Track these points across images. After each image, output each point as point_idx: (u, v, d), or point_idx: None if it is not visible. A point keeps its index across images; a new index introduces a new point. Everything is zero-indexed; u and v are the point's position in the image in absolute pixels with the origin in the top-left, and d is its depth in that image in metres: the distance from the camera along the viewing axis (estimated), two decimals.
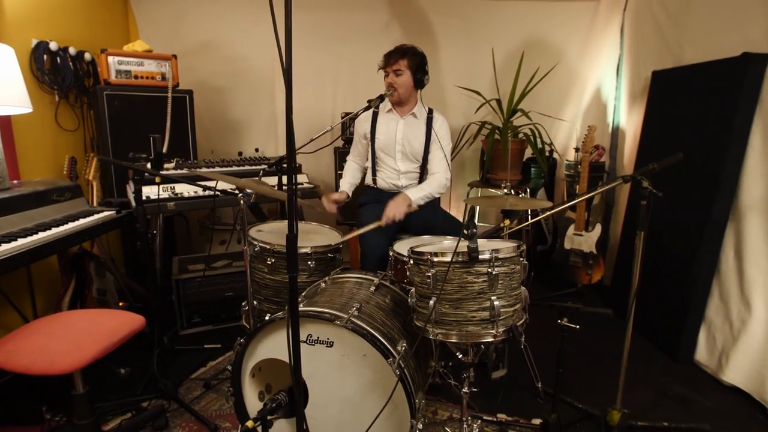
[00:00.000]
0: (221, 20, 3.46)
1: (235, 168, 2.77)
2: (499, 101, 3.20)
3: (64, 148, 2.75)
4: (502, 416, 1.96)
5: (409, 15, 3.53)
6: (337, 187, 3.29)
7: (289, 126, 1.08)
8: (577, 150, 3.41)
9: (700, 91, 2.35)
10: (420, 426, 1.46)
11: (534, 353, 1.99)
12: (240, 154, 3.13)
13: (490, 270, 1.43)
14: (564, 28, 3.56)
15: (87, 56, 2.90)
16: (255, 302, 2.09)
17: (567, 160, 3.41)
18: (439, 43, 3.54)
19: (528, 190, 3.39)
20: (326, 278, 1.89)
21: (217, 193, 2.18)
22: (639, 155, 2.80)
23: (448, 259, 1.44)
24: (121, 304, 2.53)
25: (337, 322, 1.44)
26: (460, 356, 1.63)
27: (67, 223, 2.07)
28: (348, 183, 2.55)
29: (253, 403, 1.67)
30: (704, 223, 2.23)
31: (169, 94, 2.87)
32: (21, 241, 1.76)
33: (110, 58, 2.75)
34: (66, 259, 2.41)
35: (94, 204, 2.57)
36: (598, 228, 2.95)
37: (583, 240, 3.00)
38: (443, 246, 1.74)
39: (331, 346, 1.50)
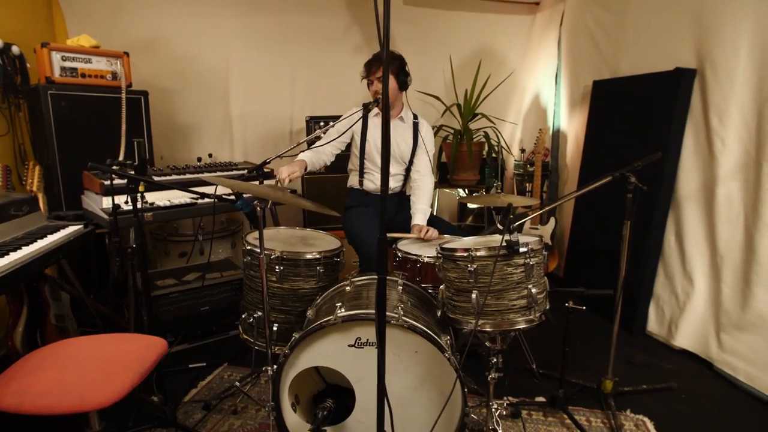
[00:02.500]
0: (166, 16, 3.22)
1: (207, 174, 2.61)
2: (459, 106, 3.40)
3: None
4: (509, 399, 2.12)
5: (369, 20, 3.58)
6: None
7: (385, 142, 1.10)
8: (523, 151, 3.73)
9: (639, 100, 2.73)
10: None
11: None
12: (199, 159, 2.96)
13: (527, 260, 1.56)
14: (504, 39, 3.87)
15: (15, 50, 2.54)
16: (260, 313, 2.02)
17: (516, 161, 3.71)
18: (398, 48, 3.61)
19: (484, 189, 3.64)
20: (345, 282, 1.89)
21: (215, 199, 2.04)
22: (584, 155, 3.16)
23: (490, 253, 1.54)
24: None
25: (393, 321, 1.46)
26: (488, 344, 1.75)
27: (35, 240, 1.81)
28: (309, 155, 2.39)
29: (291, 418, 1.62)
30: (650, 212, 2.59)
31: (123, 95, 2.62)
32: None
33: (53, 54, 2.44)
34: None
35: None
36: (552, 221, 3.26)
37: (539, 233, 3.30)
38: (477, 242, 1.83)
39: None
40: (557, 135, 3.60)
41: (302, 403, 1.70)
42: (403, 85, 2.40)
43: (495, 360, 1.74)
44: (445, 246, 1.70)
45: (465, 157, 3.30)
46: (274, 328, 2.01)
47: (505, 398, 2.11)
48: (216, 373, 2.32)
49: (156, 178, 2.36)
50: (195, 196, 2.14)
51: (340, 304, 1.57)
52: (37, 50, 2.45)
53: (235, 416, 1.99)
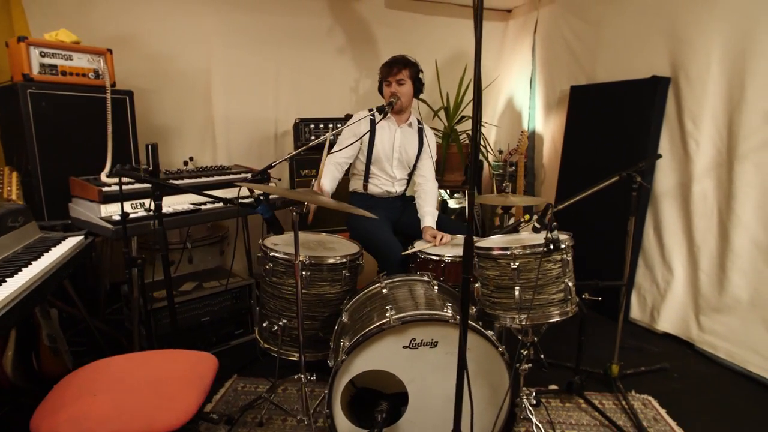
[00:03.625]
0: (139, 12, 3.02)
1: (205, 179, 2.49)
2: (446, 109, 3.48)
3: None
4: (525, 389, 2.22)
5: (352, 21, 3.58)
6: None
7: (475, 132, 1.13)
8: (500, 152, 3.89)
9: (617, 104, 2.95)
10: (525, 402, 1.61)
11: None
12: (186, 163, 2.83)
13: (564, 256, 1.66)
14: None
15: None
16: (284, 320, 1.98)
17: (494, 161, 3.86)
18: (380, 50, 3.67)
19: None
20: (376, 285, 1.89)
21: (230, 204, 1.96)
22: (564, 156, 3.36)
23: (532, 251, 1.62)
24: None
25: (452, 321, 1.50)
26: (520, 337, 1.83)
27: (40, 255, 1.66)
28: (328, 184, 2.38)
29: (342, 424, 1.60)
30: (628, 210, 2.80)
31: (108, 96, 2.44)
32: (11, 286, 1.31)
33: (32, 49, 2.23)
34: None
35: None
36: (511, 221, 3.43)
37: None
38: (508, 240, 1.89)
39: (435, 346, 1.55)
40: (533, 137, 3.79)
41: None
42: (418, 92, 2.44)
43: (526, 352, 1.83)
44: (482, 245, 1.75)
45: (453, 159, 3.39)
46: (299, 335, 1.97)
47: (523, 388, 2.20)
48: (228, 386, 2.23)
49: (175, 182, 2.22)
50: (210, 200, 2.04)
51: (389, 306, 1.57)
52: (11, 44, 2.23)
53: (262, 428, 1.93)
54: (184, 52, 3.15)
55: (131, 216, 2.01)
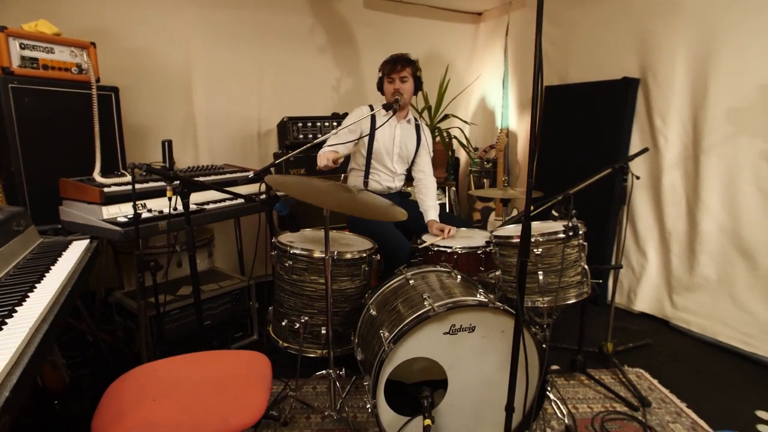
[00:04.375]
0: (116, 5, 2.87)
1: (214, 177, 2.41)
2: (429, 108, 3.57)
3: None
4: None
5: (332, 21, 3.58)
6: None
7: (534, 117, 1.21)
8: (476, 149, 4.05)
9: (591, 103, 3.17)
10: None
11: None
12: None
13: (581, 241, 1.79)
14: (452, 45, 4.15)
15: None
16: (306, 317, 1.97)
17: (472, 158, 4.01)
18: (360, 50, 3.70)
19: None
20: (399, 277, 1.92)
21: (258, 200, 1.93)
22: (540, 151, 3.55)
23: (554, 238, 1.73)
24: None
25: (490, 305, 1.57)
26: (537, 319, 1.94)
27: (54, 262, 1.55)
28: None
29: (387, 415, 1.63)
30: (608, 200, 3.03)
31: (94, 92, 2.31)
32: (36, 301, 1.16)
33: (11, 41, 2.06)
34: None
35: None
36: (514, 213, 3.61)
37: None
38: (535, 228, 1.99)
39: (473, 330, 1.62)
40: (507, 134, 3.97)
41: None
42: (417, 88, 2.49)
43: (543, 333, 1.94)
44: (501, 234, 1.85)
45: (438, 156, 3.48)
46: (323, 332, 1.98)
47: None
48: None
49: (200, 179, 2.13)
50: (228, 197, 2.00)
51: (426, 295, 1.62)
52: None
53: (287, 427, 1.91)
54: (163, 48, 3.02)
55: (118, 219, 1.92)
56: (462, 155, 4.19)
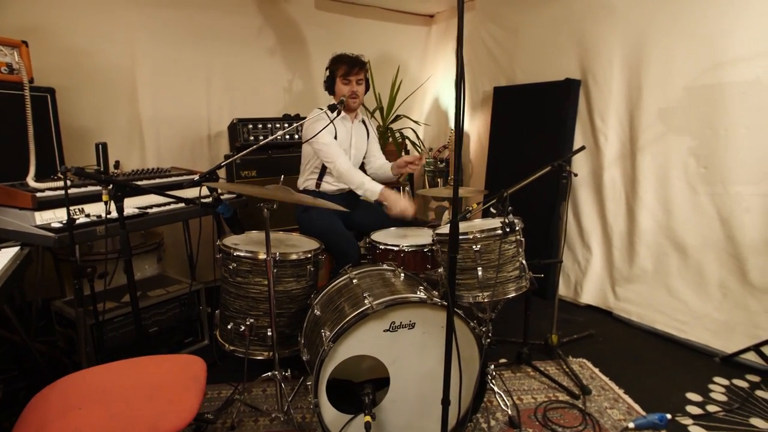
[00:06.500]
0: (51, 3, 2.76)
1: (159, 180, 2.36)
2: (382, 109, 3.60)
3: None
4: None
5: (281, 21, 3.56)
6: None
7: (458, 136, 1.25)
8: (430, 149, 4.11)
9: (536, 104, 3.27)
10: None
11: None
12: (116, 165, 2.66)
13: (519, 237, 1.85)
14: (405, 46, 4.21)
15: None
16: (252, 320, 1.96)
17: (426, 158, 4.07)
18: (311, 51, 3.69)
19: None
20: (344, 277, 1.94)
21: (199, 204, 1.89)
22: (490, 151, 3.64)
23: (492, 234, 1.79)
24: None
25: (428, 302, 1.60)
26: (480, 314, 2.00)
27: None
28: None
29: (329, 413, 1.64)
30: (555, 197, 3.14)
31: (27, 93, 2.22)
32: None
33: None
34: None
35: None
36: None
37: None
38: (470, 225, 2.04)
39: (413, 327, 1.65)
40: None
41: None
42: (368, 89, 2.53)
43: (485, 329, 2.00)
44: (443, 233, 1.89)
45: (391, 156, 3.51)
46: (269, 333, 1.97)
47: None
48: None
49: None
50: (164, 202, 1.95)
51: (366, 294, 1.65)
52: None
53: (235, 431, 1.89)
54: (106, 47, 2.93)
55: (75, 222, 1.86)
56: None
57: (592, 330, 2.75)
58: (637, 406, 2.04)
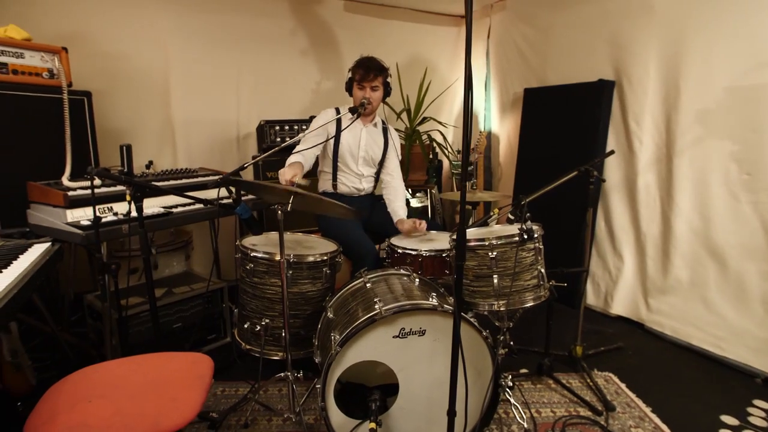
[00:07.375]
0: (90, 9, 2.89)
1: (173, 182, 2.43)
2: (408, 111, 3.58)
3: None
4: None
5: (314, 24, 3.60)
6: None
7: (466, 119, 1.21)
8: (459, 152, 4.05)
9: (568, 106, 3.16)
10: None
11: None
12: (148, 166, 2.76)
13: (536, 245, 1.79)
14: (434, 48, 4.16)
15: None
16: (267, 320, 1.98)
17: (454, 161, 4.01)
18: (343, 54, 3.71)
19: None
20: (358, 280, 1.93)
21: (218, 205, 1.93)
22: (520, 154, 3.55)
23: (509, 241, 1.73)
24: None
25: (439, 309, 1.57)
26: (497, 323, 1.94)
27: (9, 263, 1.57)
28: (299, 158, 2.29)
29: (336, 417, 1.63)
30: (585, 202, 3.02)
31: (65, 96, 2.33)
32: None
33: None
34: None
35: None
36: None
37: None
38: (482, 232, 2.00)
39: (423, 334, 1.62)
40: (489, 137, 3.98)
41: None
42: (386, 95, 2.51)
43: (503, 338, 1.94)
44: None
45: (416, 159, 3.49)
46: (283, 334, 1.98)
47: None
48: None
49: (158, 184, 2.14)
50: (189, 201, 2.01)
51: (377, 299, 1.63)
52: None
53: (247, 430, 1.92)
54: (139, 51, 3.04)
55: (102, 221, 1.94)
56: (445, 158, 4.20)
57: (621, 343, 2.63)
58: (664, 427, 1.93)
